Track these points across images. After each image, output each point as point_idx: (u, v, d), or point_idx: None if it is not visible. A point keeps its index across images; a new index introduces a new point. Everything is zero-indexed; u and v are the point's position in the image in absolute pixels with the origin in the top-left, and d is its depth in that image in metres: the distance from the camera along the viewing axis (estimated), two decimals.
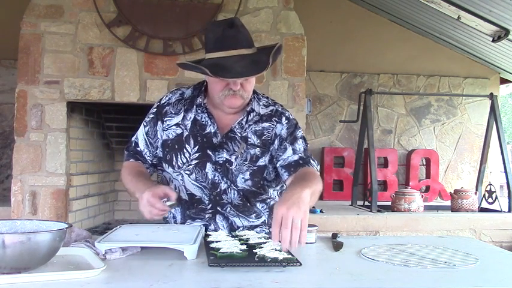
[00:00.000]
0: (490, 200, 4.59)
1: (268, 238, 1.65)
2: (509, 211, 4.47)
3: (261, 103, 1.87)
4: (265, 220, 1.90)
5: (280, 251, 1.45)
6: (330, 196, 5.20)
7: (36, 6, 3.79)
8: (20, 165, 3.76)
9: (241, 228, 1.84)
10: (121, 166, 5.21)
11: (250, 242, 1.58)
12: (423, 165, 5.45)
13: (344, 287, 1.26)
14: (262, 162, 1.81)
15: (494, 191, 4.55)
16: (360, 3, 5.23)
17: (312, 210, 4.26)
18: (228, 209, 1.82)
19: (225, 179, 1.79)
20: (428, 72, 5.48)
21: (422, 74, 5.47)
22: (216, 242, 1.55)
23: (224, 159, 1.78)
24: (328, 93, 5.36)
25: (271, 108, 1.87)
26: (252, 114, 1.83)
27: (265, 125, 1.83)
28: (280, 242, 1.35)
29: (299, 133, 1.86)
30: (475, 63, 5.49)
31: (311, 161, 1.85)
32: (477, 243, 2.00)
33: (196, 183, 1.80)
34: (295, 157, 1.80)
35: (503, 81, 5.68)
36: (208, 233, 1.69)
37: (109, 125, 4.64)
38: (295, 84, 4.04)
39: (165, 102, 1.87)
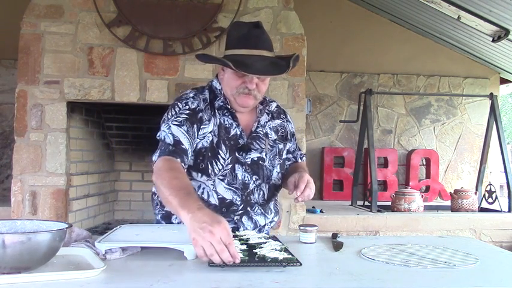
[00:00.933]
0: (490, 200, 4.59)
1: (268, 238, 1.65)
2: (509, 211, 4.47)
3: (264, 100, 1.95)
4: (273, 214, 1.96)
5: (280, 250, 1.45)
6: (330, 196, 5.20)
7: (36, 6, 3.79)
8: (20, 165, 3.76)
9: (260, 227, 1.88)
10: (121, 166, 5.19)
11: (250, 242, 1.58)
12: (423, 165, 5.45)
13: (344, 287, 1.26)
14: (284, 154, 1.94)
15: (494, 191, 4.55)
16: (360, 4, 5.23)
17: (312, 210, 4.27)
18: (256, 208, 1.85)
19: (254, 178, 1.83)
20: (428, 72, 5.48)
21: (422, 74, 5.48)
22: None
23: (255, 158, 1.83)
24: (328, 93, 5.36)
25: (274, 104, 1.98)
26: (264, 111, 1.91)
27: (278, 121, 1.95)
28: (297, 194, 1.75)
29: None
30: (475, 63, 5.49)
31: (303, 156, 2.08)
32: (477, 243, 2.00)
33: (228, 187, 1.80)
34: (299, 152, 2.06)
35: (503, 81, 5.69)
36: None
37: (109, 125, 4.64)
38: (295, 84, 4.04)
39: (196, 107, 1.77)
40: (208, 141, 1.77)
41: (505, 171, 4.52)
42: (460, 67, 5.50)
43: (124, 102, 3.91)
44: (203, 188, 1.80)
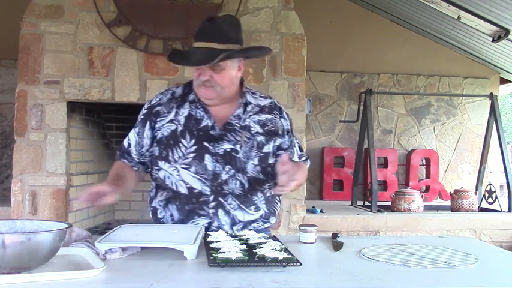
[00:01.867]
0: (490, 200, 4.59)
1: (268, 238, 1.65)
2: (509, 211, 4.47)
3: (257, 96, 1.97)
4: (263, 214, 1.92)
5: (280, 250, 1.45)
6: (330, 196, 5.20)
7: (36, 6, 3.79)
8: (20, 165, 3.76)
9: (241, 224, 1.86)
10: None
11: (250, 242, 1.58)
12: (423, 165, 5.45)
13: (344, 287, 1.26)
14: (267, 149, 1.89)
15: (494, 191, 4.56)
16: (360, 3, 5.23)
17: (312, 210, 4.27)
18: (230, 199, 1.84)
19: (227, 168, 1.83)
20: (428, 72, 5.48)
21: (422, 74, 5.48)
22: (216, 242, 1.55)
23: (227, 149, 1.83)
24: (328, 93, 5.36)
25: (269, 100, 1.99)
26: (250, 106, 1.91)
27: (268, 116, 1.93)
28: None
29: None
30: (475, 63, 5.49)
31: (307, 160, 2.06)
32: (477, 243, 2.00)
33: (196, 176, 1.82)
34: (301, 153, 2.03)
35: (503, 81, 5.69)
36: (208, 233, 1.70)
37: (109, 125, 4.64)
38: (295, 84, 4.04)
39: (155, 102, 1.92)
40: (169, 131, 1.85)
41: (505, 171, 4.52)
42: (460, 67, 5.49)
43: (124, 102, 3.91)
44: (169, 178, 1.85)
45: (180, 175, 1.83)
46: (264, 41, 3.98)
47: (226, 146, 1.83)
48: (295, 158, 1.98)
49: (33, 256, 1.23)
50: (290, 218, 4.03)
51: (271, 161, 1.90)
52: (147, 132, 1.88)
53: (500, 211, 4.50)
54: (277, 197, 2.01)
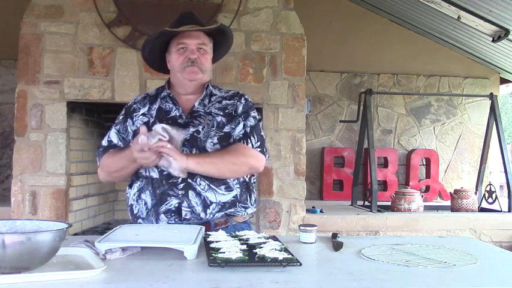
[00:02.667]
0: (490, 200, 4.59)
1: (268, 238, 1.65)
2: (509, 211, 4.47)
3: (222, 91, 2.09)
4: (237, 195, 1.94)
5: (280, 250, 1.45)
6: (330, 196, 5.20)
7: (36, 6, 3.79)
8: (20, 165, 3.76)
9: (214, 205, 1.88)
10: None
11: (250, 242, 1.58)
12: (423, 165, 5.45)
13: (344, 287, 1.26)
14: (228, 129, 1.97)
15: (494, 191, 4.56)
16: (360, 3, 5.23)
17: (312, 210, 4.27)
18: (198, 179, 1.88)
19: (194, 150, 1.91)
20: (428, 72, 5.48)
21: (422, 74, 5.48)
22: (216, 242, 1.55)
23: (191, 132, 1.94)
24: (328, 93, 5.36)
25: (233, 91, 2.11)
26: (214, 97, 2.04)
27: (229, 102, 2.04)
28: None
29: (253, 113, 2.04)
30: (475, 63, 5.49)
31: (251, 137, 1.98)
32: (477, 243, 2.00)
33: None
34: (242, 131, 1.98)
35: (503, 81, 5.69)
36: (208, 233, 1.70)
37: (109, 125, 4.60)
38: (295, 84, 4.04)
39: (132, 103, 2.13)
40: (141, 122, 1.99)
41: (505, 171, 4.52)
42: (460, 67, 5.50)
43: (124, 102, 3.88)
44: (142, 166, 1.94)
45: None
46: (264, 41, 3.99)
47: (191, 129, 1.94)
48: (235, 135, 1.96)
49: (33, 256, 1.23)
50: (290, 218, 4.03)
51: (232, 140, 1.97)
52: (130, 127, 2.06)
53: (500, 211, 4.50)
54: (253, 184, 2.05)
